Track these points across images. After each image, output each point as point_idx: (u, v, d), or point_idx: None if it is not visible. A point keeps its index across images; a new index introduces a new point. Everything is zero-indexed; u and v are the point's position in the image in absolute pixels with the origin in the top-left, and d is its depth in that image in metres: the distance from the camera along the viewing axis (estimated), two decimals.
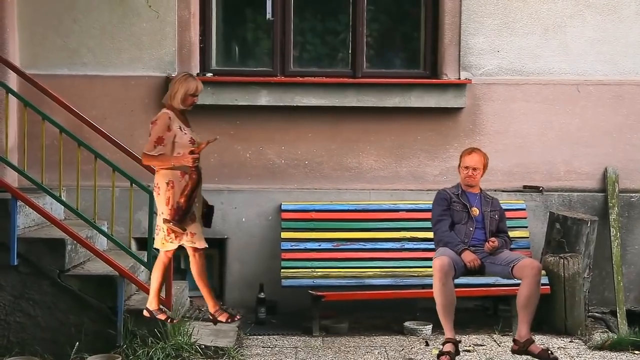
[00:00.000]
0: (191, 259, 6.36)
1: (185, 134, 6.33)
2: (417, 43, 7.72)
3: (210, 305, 6.37)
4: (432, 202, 6.80)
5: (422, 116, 7.46)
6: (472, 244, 6.40)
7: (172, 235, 6.32)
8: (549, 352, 6.05)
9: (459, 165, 6.59)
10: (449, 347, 5.95)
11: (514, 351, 6.14)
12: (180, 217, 6.21)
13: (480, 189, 6.60)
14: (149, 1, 7.29)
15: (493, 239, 6.41)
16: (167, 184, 6.28)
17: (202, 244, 6.31)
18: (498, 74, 7.48)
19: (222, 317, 6.32)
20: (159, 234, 6.42)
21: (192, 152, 6.22)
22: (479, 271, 6.35)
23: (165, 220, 6.27)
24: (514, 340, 6.14)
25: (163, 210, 6.36)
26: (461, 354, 6.03)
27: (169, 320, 6.39)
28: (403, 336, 6.64)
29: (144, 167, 5.98)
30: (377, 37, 7.76)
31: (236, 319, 6.37)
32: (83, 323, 5.86)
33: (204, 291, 6.42)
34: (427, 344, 6.45)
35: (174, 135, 6.27)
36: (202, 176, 6.17)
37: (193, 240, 6.30)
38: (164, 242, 6.28)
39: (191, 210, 6.24)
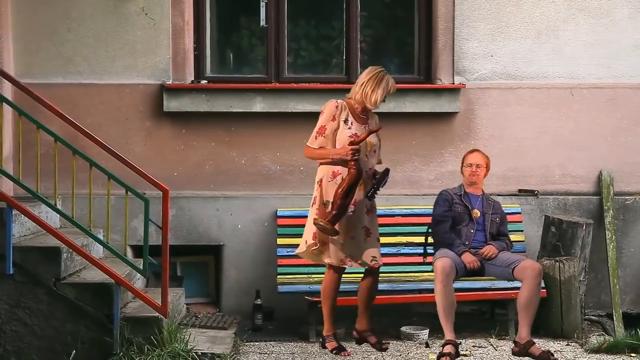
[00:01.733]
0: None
1: (349, 128, 5.99)
2: (411, 48, 7.74)
3: (362, 324, 6.32)
4: (427, 207, 6.83)
5: (416, 121, 7.48)
6: (473, 245, 6.43)
7: (318, 247, 6.03)
8: (549, 353, 6.07)
9: (462, 166, 6.63)
10: (449, 349, 5.97)
11: (514, 353, 6.17)
12: (333, 218, 5.87)
13: (483, 191, 6.63)
14: (144, 9, 7.31)
15: (490, 247, 6.43)
16: (318, 182, 6.06)
17: (332, 260, 6.03)
18: (492, 79, 7.50)
19: (371, 339, 6.32)
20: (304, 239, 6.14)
21: (351, 144, 5.90)
22: (479, 272, 6.38)
23: (315, 220, 5.96)
24: (515, 342, 6.17)
25: (312, 212, 6.07)
26: (458, 358, 6.05)
27: (334, 351, 6.17)
28: (400, 341, 6.64)
29: (140, 174, 5.97)
30: (371, 43, 7.78)
31: (384, 346, 6.28)
32: (79, 331, 5.85)
33: (362, 310, 6.30)
34: (427, 345, 6.46)
35: (337, 127, 6.01)
36: (362, 172, 5.91)
37: (322, 250, 6.07)
38: (306, 250, 6.08)
39: (346, 211, 5.90)
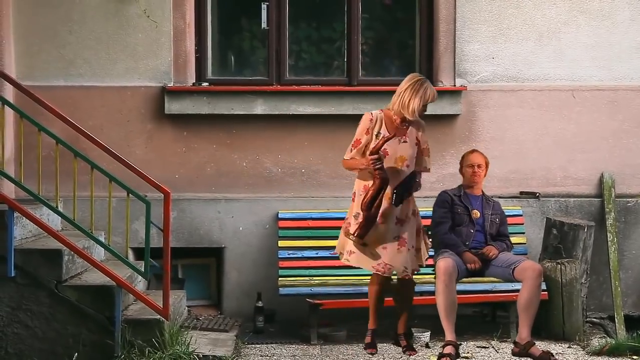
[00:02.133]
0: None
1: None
2: (412, 50, 7.74)
3: (399, 327, 6.37)
4: (428, 209, 6.83)
5: None
6: (473, 246, 6.45)
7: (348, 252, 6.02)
8: (550, 354, 6.07)
9: (461, 167, 6.64)
10: (449, 350, 5.97)
11: (514, 353, 6.17)
12: (361, 231, 5.80)
13: (482, 192, 6.64)
14: (146, 11, 7.31)
15: (490, 247, 6.44)
16: (352, 196, 6.05)
17: (363, 265, 6.01)
18: (493, 81, 7.50)
19: (402, 342, 6.34)
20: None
21: (371, 153, 5.77)
22: (480, 272, 6.38)
23: (347, 233, 5.96)
24: (515, 343, 6.17)
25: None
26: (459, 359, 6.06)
27: (364, 345, 6.28)
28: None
29: (142, 177, 5.98)
30: (372, 45, 7.78)
31: (407, 353, 6.26)
32: (81, 333, 5.85)
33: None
34: (427, 346, 6.46)
35: (370, 140, 5.90)
36: (387, 182, 5.77)
37: (349, 259, 6.04)
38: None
39: (374, 221, 5.81)
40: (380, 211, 5.90)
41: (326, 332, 6.77)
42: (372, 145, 5.89)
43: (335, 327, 6.90)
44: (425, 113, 7.26)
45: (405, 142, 6.04)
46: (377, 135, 5.96)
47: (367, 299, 6.49)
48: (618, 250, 7.37)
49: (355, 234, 5.88)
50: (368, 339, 6.34)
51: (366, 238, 5.91)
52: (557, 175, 7.57)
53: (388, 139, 5.87)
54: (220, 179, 7.44)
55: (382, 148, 5.87)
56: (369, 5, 7.66)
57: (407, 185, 5.96)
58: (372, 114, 6.05)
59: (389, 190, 5.89)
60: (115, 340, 5.80)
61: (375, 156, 5.77)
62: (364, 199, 5.83)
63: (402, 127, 6.04)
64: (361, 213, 5.89)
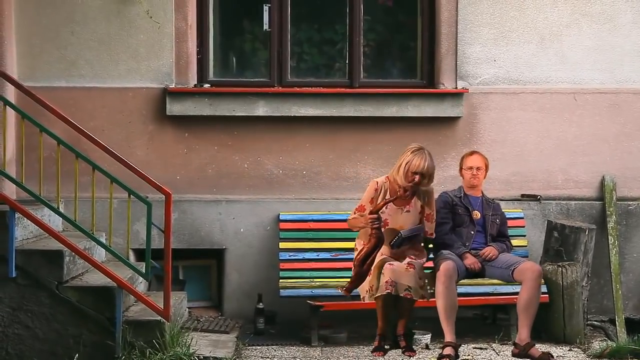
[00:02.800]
0: None
1: (382, 212, 5.99)
2: (414, 53, 7.74)
3: (399, 328, 6.28)
4: None
5: (419, 126, 7.47)
6: (473, 247, 6.45)
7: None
8: (549, 355, 6.06)
9: (460, 168, 6.64)
10: (448, 351, 5.97)
11: (514, 354, 6.17)
12: (350, 285, 5.96)
13: (482, 193, 6.64)
14: (149, 12, 7.31)
15: (490, 248, 6.44)
16: (355, 247, 6.17)
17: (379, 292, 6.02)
18: (495, 83, 7.50)
19: (401, 343, 6.23)
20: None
21: (370, 213, 5.94)
22: (480, 274, 6.38)
23: (337, 287, 6.15)
24: (515, 344, 6.17)
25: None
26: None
27: (372, 349, 6.23)
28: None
29: (143, 178, 5.98)
30: (374, 47, 7.78)
31: (407, 353, 6.19)
32: (81, 334, 5.86)
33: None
34: (427, 347, 6.46)
35: (373, 207, 6.03)
36: (383, 241, 5.89)
37: (372, 293, 6.07)
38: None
39: (364, 278, 5.92)
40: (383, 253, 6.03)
41: (327, 334, 6.78)
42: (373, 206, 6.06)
43: (335, 329, 6.90)
44: (427, 115, 7.33)
45: (408, 211, 6.19)
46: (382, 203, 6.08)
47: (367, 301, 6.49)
48: (619, 253, 7.37)
49: (345, 288, 6.04)
50: (376, 343, 6.32)
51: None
52: (558, 178, 7.57)
53: (388, 202, 6.03)
54: (222, 180, 7.45)
55: (384, 219, 6.02)
56: (371, 7, 7.67)
57: (411, 235, 6.12)
58: (377, 182, 6.21)
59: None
60: (115, 341, 5.80)
61: (374, 216, 5.93)
62: (357, 255, 5.98)
63: (405, 196, 6.15)
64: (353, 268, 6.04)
